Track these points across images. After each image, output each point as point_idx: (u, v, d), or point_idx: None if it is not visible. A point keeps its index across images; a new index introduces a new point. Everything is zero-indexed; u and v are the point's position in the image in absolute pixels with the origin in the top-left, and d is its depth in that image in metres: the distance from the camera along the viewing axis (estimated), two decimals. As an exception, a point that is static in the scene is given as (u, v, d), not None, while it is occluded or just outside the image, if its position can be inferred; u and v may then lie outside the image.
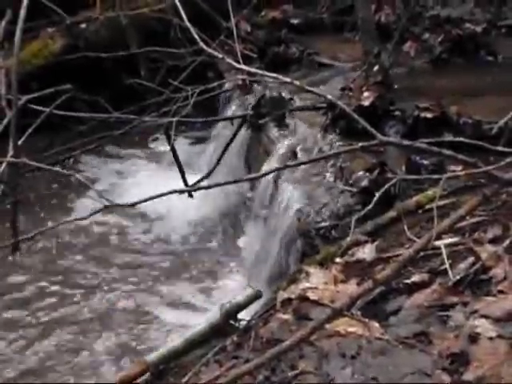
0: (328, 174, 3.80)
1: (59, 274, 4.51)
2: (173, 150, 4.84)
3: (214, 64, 5.53)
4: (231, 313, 2.65)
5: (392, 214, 3.13)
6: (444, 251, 2.57)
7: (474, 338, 2.20)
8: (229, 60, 2.68)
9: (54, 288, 4.37)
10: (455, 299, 2.41)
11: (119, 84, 5.26)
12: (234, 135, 4.81)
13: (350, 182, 3.60)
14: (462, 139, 2.61)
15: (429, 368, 2.15)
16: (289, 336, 2.23)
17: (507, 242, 2.60)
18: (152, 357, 2.60)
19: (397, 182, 3.13)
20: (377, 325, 2.37)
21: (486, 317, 2.28)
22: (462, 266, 2.54)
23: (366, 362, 2.21)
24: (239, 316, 2.68)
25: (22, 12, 4.67)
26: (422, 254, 2.52)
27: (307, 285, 2.63)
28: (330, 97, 2.48)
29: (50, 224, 4.56)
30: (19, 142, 4.36)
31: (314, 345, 2.29)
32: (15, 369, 3.71)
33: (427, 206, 3.08)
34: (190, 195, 4.58)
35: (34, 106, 4.63)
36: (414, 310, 2.42)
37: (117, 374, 2.75)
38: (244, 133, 4.82)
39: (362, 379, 2.15)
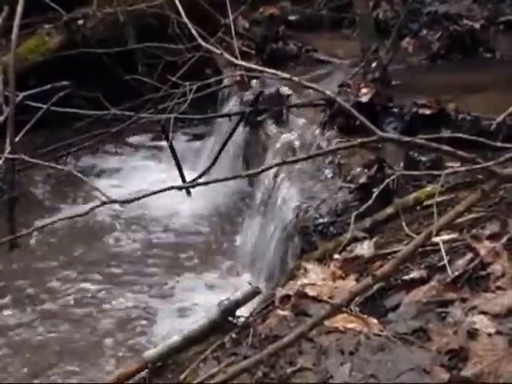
0: (326, 171, 3.80)
1: (58, 267, 4.51)
2: (171, 146, 4.84)
3: (212, 60, 5.52)
4: (230, 309, 2.65)
5: (390, 210, 3.13)
6: (442, 247, 2.57)
7: (472, 334, 2.20)
8: (227, 56, 2.67)
9: (58, 282, 4.38)
10: (454, 295, 2.41)
11: (117, 80, 5.25)
12: (232, 132, 4.80)
13: (349, 178, 3.59)
14: (460, 135, 2.61)
15: (427, 364, 2.15)
16: (287, 332, 2.23)
17: (505, 238, 2.59)
18: (150, 353, 2.60)
19: (395, 178, 3.12)
20: (375, 321, 2.37)
21: (484, 313, 2.28)
22: (461, 262, 2.54)
23: (364, 358, 2.21)
24: (238, 313, 2.67)
25: (19, 8, 4.67)
26: (420, 250, 2.52)
27: (306, 281, 2.62)
28: (328, 93, 2.46)
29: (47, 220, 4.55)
30: (16, 139, 4.36)
31: (313, 341, 2.29)
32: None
33: (425, 203, 3.08)
34: (188, 192, 4.59)
35: (32, 103, 4.63)
36: (413, 306, 2.42)
37: (115, 371, 2.74)
38: (242, 129, 4.81)
39: (361, 375, 2.15)
